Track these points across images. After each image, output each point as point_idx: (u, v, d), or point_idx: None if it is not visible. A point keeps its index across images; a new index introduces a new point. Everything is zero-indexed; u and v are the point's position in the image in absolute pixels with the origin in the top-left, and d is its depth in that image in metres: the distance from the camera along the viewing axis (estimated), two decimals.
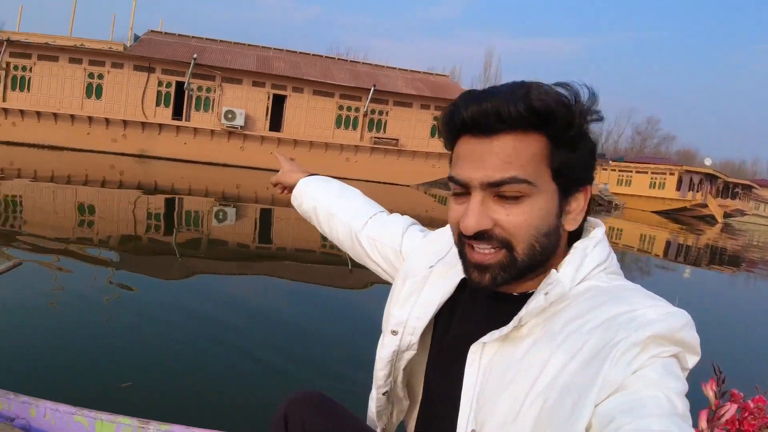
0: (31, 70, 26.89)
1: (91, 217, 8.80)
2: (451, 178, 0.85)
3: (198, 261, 6.25)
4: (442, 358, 0.97)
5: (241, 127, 27.45)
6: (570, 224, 0.84)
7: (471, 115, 0.78)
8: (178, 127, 27.43)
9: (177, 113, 27.81)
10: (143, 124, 27.22)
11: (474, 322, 0.90)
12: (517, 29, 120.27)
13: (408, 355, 1.03)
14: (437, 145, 30.00)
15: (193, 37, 30.06)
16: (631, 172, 50.34)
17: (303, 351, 3.51)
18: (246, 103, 28.01)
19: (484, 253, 0.82)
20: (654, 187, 48.36)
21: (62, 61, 26.90)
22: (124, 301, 4.25)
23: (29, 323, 3.49)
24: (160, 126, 27.31)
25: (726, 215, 52.97)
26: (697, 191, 47.66)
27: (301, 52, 31.49)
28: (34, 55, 26.82)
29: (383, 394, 1.10)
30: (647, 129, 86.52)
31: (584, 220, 0.86)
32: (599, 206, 40.75)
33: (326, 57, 32.33)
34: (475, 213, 0.80)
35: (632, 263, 11.15)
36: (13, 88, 26.88)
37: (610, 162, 53.06)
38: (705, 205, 47.65)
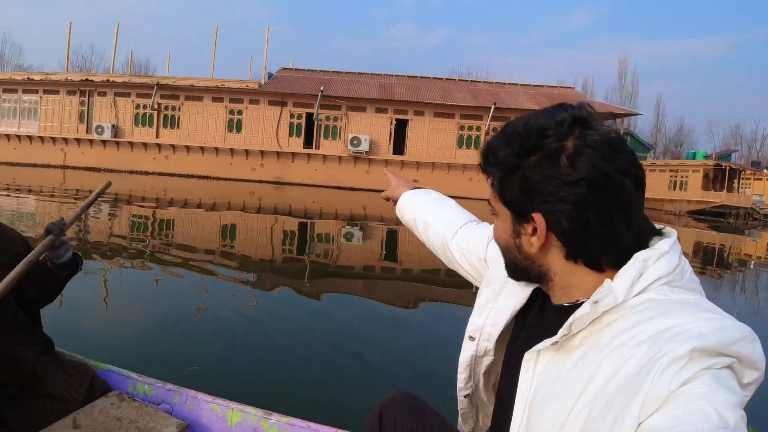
0: (179, 109, 30.05)
1: (233, 239, 9.57)
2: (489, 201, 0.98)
3: (328, 279, 6.64)
4: (509, 364, 1.00)
5: (366, 152, 28.65)
6: (530, 246, 0.90)
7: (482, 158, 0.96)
8: (308, 154, 29.25)
9: (308, 142, 29.65)
10: (278, 154, 29.34)
11: (537, 331, 0.92)
12: (653, 31, 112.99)
13: (486, 360, 1.09)
14: None
15: (320, 71, 32.00)
16: None
17: (416, 360, 3.74)
18: (370, 129, 29.22)
19: None
20: None
21: (206, 101, 29.80)
22: (258, 311, 4.72)
23: (179, 324, 4.07)
24: (293, 154, 29.30)
25: None
26: None
27: (422, 77, 32.33)
28: (182, 96, 29.94)
29: (465, 396, 1.16)
30: None
31: (645, 222, 0.87)
32: (755, 220, 37.14)
33: (446, 79, 32.90)
34: (492, 226, 1.03)
35: None
36: (165, 126, 30.18)
37: (765, 171, 48.01)
38: None
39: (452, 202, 1.53)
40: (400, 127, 29.87)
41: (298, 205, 18.52)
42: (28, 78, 31.30)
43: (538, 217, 0.85)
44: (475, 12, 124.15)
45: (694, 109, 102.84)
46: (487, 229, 1.33)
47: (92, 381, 1.91)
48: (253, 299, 5.16)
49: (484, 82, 34.51)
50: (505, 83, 33.07)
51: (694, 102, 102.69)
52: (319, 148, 29.43)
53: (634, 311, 0.78)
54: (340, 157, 29.12)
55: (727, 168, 37.16)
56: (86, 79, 30.69)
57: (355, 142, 28.50)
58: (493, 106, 28.58)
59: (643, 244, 0.85)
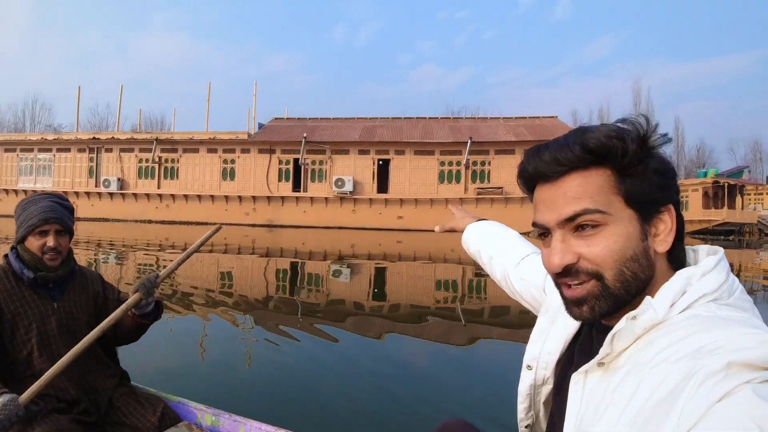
0: (178, 161, 32.19)
1: (230, 280, 9.84)
2: (534, 224, 0.91)
3: (359, 317, 6.75)
4: (560, 389, 0.97)
5: (350, 192, 30.09)
6: (660, 245, 0.84)
7: (534, 167, 0.88)
8: (297, 197, 30.90)
9: (296, 186, 31.37)
10: (269, 198, 31.07)
11: (587, 353, 0.90)
12: (673, 55, 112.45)
13: (545, 389, 1.04)
14: None
15: (309, 118, 33.98)
16: None
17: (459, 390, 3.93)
18: (354, 170, 30.74)
19: (575, 287, 0.85)
20: None
21: (202, 152, 32.00)
22: (301, 349, 4.96)
23: (235, 362, 4.37)
24: (283, 198, 31.01)
25: None
26: None
27: (405, 118, 33.83)
28: (180, 149, 32.15)
29: (526, 427, 1.11)
30: None
31: (681, 245, 0.85)
32: (766, 236, 36.66)
33: (429, 118, 34.13)
34: (557, 250, 0.84)
35: None
36: (165, 177, 32.42)
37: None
38: None
39: (515, 233, 1.53)
40: (384, 167, 31.27)
41: (289, 245, 19.19)
42: (43, 138, 34.09)
43: (671, 210, 0.84)
44: (497, 49, 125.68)
45: (715, 129, 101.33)
46: None
47: (163, 412, 2.07)
48: (293, 337, 5.39)
49: (466, 118, 36.01)
50: (486, 117, 34.32)
51: (715, 122, 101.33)
52: (306, 191, 31.05)
53: (677, 328, 0.76)
54: (326, 199, 30.62)
55: (726, 185, 36.91)
56: (94, 138, 33.31)
57: (340, 183, 29.96)
58: (469, 141, 29.64)
59: (684, 263, 0.85)
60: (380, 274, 12.08)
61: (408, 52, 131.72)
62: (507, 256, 1.43)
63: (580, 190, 0.83)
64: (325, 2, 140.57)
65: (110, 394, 2.06)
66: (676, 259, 0.86)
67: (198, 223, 30.58)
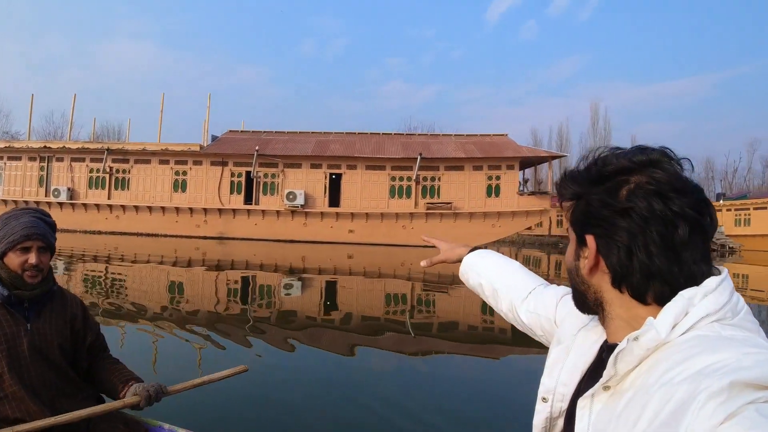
0: (129, 172, 32.10)
1: (180, 294, 10.01)
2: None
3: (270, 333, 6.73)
4: (570, 414, 0.98)
5: (302, 205, 30.36)
6: (584, 268, 0.94)
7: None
8: (248, 210, 31.03)
9: (248, 199, 31.48)
10: (220, 211, 31.15)
11: (595, 377, 0.90)
12: (629, 77, 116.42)
13: (561, 422, 1.03)
14: (496, 204, 30.90)
15: (263, 131, 34.12)
16: (749, 209, 42.96)
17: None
18: (305, 184, 31.03)
19: None
20: None
21: (153, 163, 31.91)
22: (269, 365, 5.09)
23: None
24: (234, 211, 31.10)
25: None
26: None
27: (359, 133, 34.19)
28: (132, 160, 32.05)
29: None
30: None
31: (697, 266, 0.85)
32: (713, 251, 37.87)
33: (382, 134, 34.52)
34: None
35: None
36: (116, 188, 32.23)
37: (721, 201, 48.44)
38: None
39: (517, 264, 1.53)
40: (335, 181, 31.64)
41: (240, 258, 19.27)
42: None
43: (590, 239, 0.90)
44: (465, 68, 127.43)
45: (672, 148, 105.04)
46: (556, 291, 1.34)
47: None
48: (247, 347, 5.61)
49: (419, 134, 36.40)
50: (439, 134, 34.90)
51: (671, 142, 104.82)
52: (258, 204, 31.18)
53: (680, 349, 0.77)
54: (278, 212, 30.83)
55: None
56: (45, 147, 32.92)
57: (291, 196, 30.22)
58: (419, 156, 30.24)
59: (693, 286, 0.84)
60: (331, 287, 12.35)
61: (376, 68, 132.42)
62: (513, 290, 1.44)
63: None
64: (294, 16, 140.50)
65: (87, 423, 1.98)
66: (634, 292, 0.88)
67: (148, 235, 30.53)
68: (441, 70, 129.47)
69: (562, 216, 44.25)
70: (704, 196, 0.87)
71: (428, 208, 30.77)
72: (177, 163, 31.77)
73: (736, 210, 43.77)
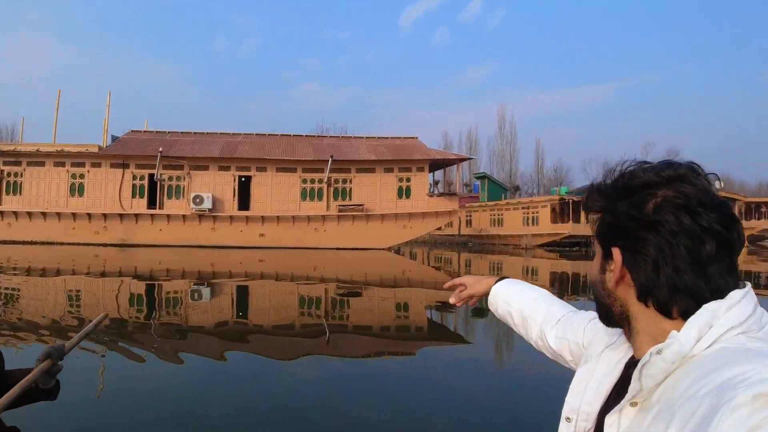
0: (22, 175, 29.99)
1: (78, 304, 9.48)
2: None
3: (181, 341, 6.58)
4: None
5: (209, 209, 29.48)
6: (610, 281, 0.94)
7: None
8: (152, 215, 29.83)
9: (152, 203, 30.23)
10: (121, 216, 29.76)
11: (621, 392, 0.89)
12: (535, 84, 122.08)
13: None
14: (407, 205, 31.31)
15: (168, 132, 32.82)
16: None
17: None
18: (213, 187, 30.20)
19: None
20: None
21: (48, 166, 30.00)
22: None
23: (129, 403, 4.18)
24: (137, 216, 29.81)
25: (754, 238, 50.41)
26: None
27: (269, 134, 33.64)
28: (24, 162, 29.95)
29: None
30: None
31: (724, 280, 0.85)
32: None
33: (293, 135, 34.19)
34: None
35: None
36: (8, 193, 30.02)
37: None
38: None
39: (545, 291, 1.55)
40: (245, 184, 31.01)
41: (144, 266, 18.44)
42: None
43: (616, 252, 0.91)
44: (379, 71, 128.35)
45: (573, 151, 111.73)
46: (584, 316, 1.34)
47: None
48: (148, 360, 5.45)
49: (330, 136, 36.55)
50: (350, 137, 35.10)
51: (573, 145, 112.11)
52: (162, 208, 30.03)
53: (705, 362, 0.77)
54: (184, 216, 29.82)
55: (570, 201, 40.38)
56: None
57: (198, 200, 29.31)
58: (330, 159, 30.16)
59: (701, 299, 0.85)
60: (242, 292, 12.08)
61: (291, 68, 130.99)
62: (542, 318, 1.43)
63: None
64: (205, 13, 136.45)
65: None
66: (659, 306, 0.88)
67: (43, 243, 28.64)
68: (356, 73, 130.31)
69: (470, 216, 46.73)
70: (731, 211, 0.86)
71: (340, 211, 30.74)
72: (74, 165, 30.01)
73: None
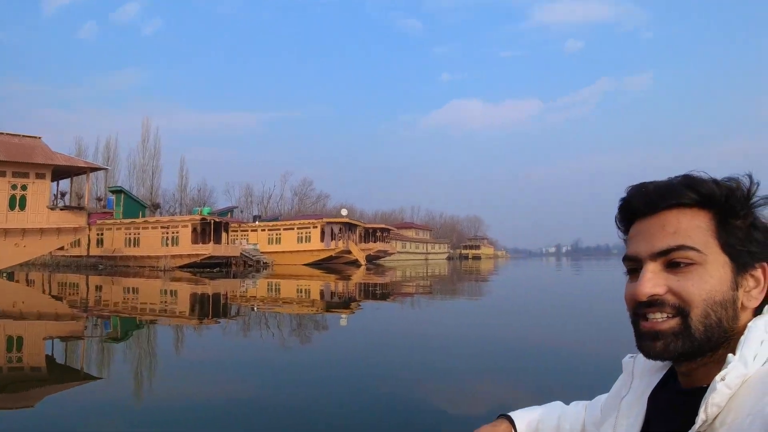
0: None
1: None
2: (625, 258, 0.90)
3: None
4: None
5: None
6: (750, 300, 0.83)
7: (639, 199, 0.88)
8: None
9: None
10: None
11: (672, 423, 0.83)
12: (185, 102, 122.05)
13: None
14: (20, 219, 26.25)
15: None
16: (279, 230, 52.89)
17: None
18: None
19: (657, 320, 0.82)
20: (302, 241, 51.28)
21: None
22: None
23: None
24: None
25: (371, 257, 58.92)
26: (339, 239, 51.64)
27: None
28: None
29: None
30: (302, 189, 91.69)
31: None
32: (249, 267, 40.83)
33: None
34: (647, 279, 0.83)
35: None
36: None
37: (257, 222, 54.90)
38: (349, 251, 52.45)
39: (558, 402, 1.35)
40: None
41: None
42: None
43: (765, 267, 0.84)
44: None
45: (219, 173, 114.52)
46: (582, 402, 1.27)
47: None
48: None
49: None
50: None
51: (219, 167, 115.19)
52: None
53: (761, 381, 0.74)
54: None
55: (212, 222, 40.11)
56: None
57: None
58: None
59: None
60: None
61: None
62: (568, 423, 1.26)
63: (678, 225, 0.84)
64: None
65: None
66: None
67: None
68: None
69: (102, 234, 42.05)
70: None
71: None
72: None
73: (269, 230, 52.82)
